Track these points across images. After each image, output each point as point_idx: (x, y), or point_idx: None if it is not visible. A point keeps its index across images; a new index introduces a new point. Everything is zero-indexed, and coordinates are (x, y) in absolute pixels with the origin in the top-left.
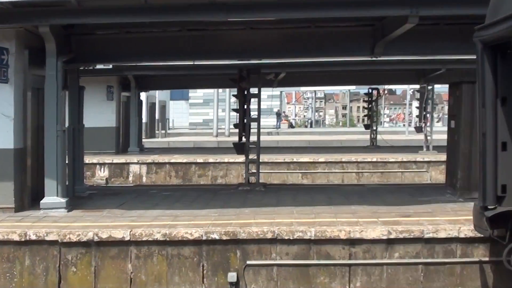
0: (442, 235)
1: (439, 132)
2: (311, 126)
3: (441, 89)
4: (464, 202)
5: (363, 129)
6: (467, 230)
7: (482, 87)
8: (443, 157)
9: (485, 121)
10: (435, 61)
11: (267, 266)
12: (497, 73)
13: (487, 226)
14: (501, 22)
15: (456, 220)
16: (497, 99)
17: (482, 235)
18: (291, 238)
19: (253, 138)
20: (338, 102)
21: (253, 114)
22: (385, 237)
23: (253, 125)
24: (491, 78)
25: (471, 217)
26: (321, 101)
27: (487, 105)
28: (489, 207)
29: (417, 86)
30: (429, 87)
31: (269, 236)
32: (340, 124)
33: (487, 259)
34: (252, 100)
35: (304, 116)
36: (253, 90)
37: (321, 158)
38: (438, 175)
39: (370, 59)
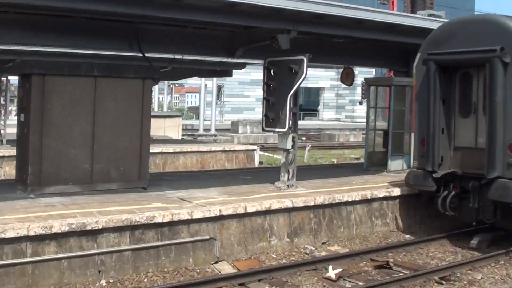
0: (10, 234)
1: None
2: None
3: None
4: (35, 199)
5: None
6: (37, 227)
7: (433, 92)
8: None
9: (434, 114)
10: (10, 52)
11: None
12: (440, 83)
13: (433, 184)
14: (449, 54)
15: (25, 218)
16: (440, 99)
17: None
18: None
19: None
20: None
21: None
22: None
23: None
24: (438, 86)
25: (41, 214)
26: None
27: (435, 103)
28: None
29: None
30: (3, 78)
31: None
32: None
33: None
34: None
35: None
36: None
37: None
38: (13, 171)
39: None
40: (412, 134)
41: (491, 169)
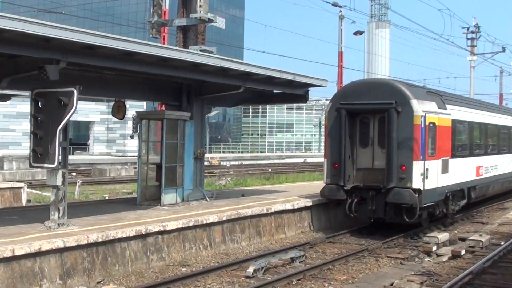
0: None
1: None
2: None
3: None
4: None
5: None
6: None
7: (343, 130)
8: None
9: (344, 145)
10: None
11: None
12: (348, 124)
13: (344, 194)
14: (356, 104)
15: None
16: (347, 135)
17: None
18: None
19: None
20: None
21: None
22: None
23: None
24: (347, 126)
25: None
26: None
27: (344, 138)
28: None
29: None
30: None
31: None
32: None
33: None
34: None
35: None
36: None
37: None
38: None
39: None
40: (325, 160)
41: (390, 182)
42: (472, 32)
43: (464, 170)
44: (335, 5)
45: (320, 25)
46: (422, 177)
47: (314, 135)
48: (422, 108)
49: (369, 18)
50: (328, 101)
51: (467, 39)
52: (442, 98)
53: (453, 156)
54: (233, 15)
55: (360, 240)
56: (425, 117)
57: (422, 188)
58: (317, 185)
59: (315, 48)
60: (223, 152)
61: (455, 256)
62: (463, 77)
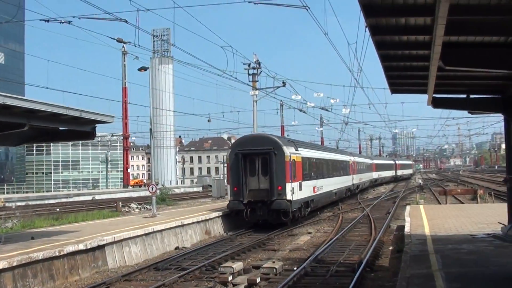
0: None
1: None
2: None
3: None
4: None
5: None
6: None
7: (241, 167)
8: None
9: (242, 176)
10: None
11: None
12: (243, 162)
13: (243, 207)
14: (249, 150)
15: None
16: (243, 169)
17: None
18: None
19: None
20: None
21: None
22: None
23: None
24: (242, 164)
25: None
26: None
27: (241, 171)
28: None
29: None
30: None
31: None
32: None
33: None
34: None
35: None
36: None
37: None
38: None
39: None
40: (228, 185)
41: (273, 196)
42: (254, 68)
43: (308, 189)
44: (119, 41)
45: (106, 61)
46: (291, 192)
47: (101, 171)
48: (289, 151)
49: (152, 54)
50: (229, 148)
51: (249, 74)
52: (295, 144)
53: (303, 179)
54: (13, 49)
55: (157, 275)
56: (290, 156)
57: (291, 199)
58: (109, 223)
59: (102, 83)
60: (7, 192)
61: (251, 284)
62: (246, 110)
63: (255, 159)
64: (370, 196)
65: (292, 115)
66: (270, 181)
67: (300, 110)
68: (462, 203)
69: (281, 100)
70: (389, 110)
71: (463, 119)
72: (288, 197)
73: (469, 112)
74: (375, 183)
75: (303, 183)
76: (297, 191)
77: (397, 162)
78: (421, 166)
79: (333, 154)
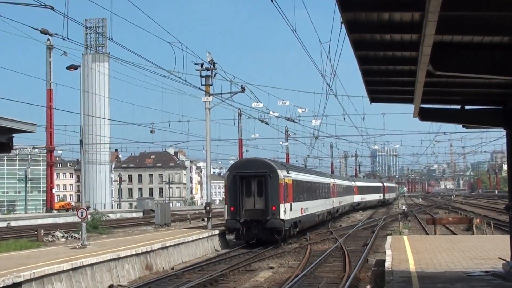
0: None
1: None
2: None
3: None
4: None
5: None
6: None
7: (239, 188)
8: None
9: (238, 197)
10: None
11: None
12: (240, 184)
13: (240, 225)
14: (246, 172)
15: None
16: (240, 190)
17: None
18: None
19: None
20: None
21: None
22: None
23: None
24: (239, 185)
25: None
26: None
27: (238, 192)
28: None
29: None
30: None
31: None
32: None
33: None
34: None
35: None
36: None
37: None
38: None
39: None
40: (225, 205)
41: (267, 215)
42: (207, 69)
43: (297, 210)
44: (44, 32)
45: (28, 56)
46: (284, 212)
47: (19, 192)
48: (282, 174)
49: (84, 49)
50: (227, 170)
51: (201, 77)
52: (287, 167)
53: (293, 201)
54: None
55: None
56: (283, 179)
57: (284, 219)
58: (28, 255)
59: (22, 84)
60: None
61: None
62: (198, 120)
63: (251, 181)
64: (344, 224)
65: (252, 127)
66: (265, 201)
67: (262, 121)
68: (455, 234)
69: (239, 109)
70: (368, 123)
71: (456, 134)
72: (282, 216)
73: (463, 126)
74: (358, 207)
75: (293, 204)
76: (288, 211)
77: (385, 184)
78: (405, 189)
79: (316, 176)
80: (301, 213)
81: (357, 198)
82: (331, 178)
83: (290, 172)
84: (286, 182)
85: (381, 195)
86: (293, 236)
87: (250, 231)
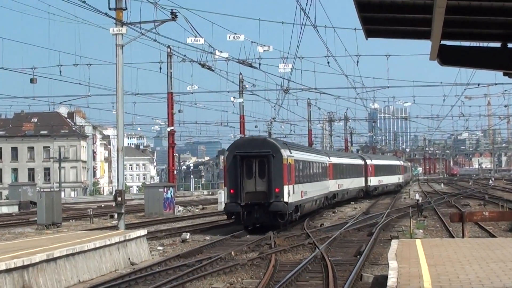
0: None
1: None
2: None
3: None
4: None
5: None
6: None
7: (239, 168)
8: None
9: (239, 178)
10: None
11: None
12: (241, 164)
13: (240, 209)
14: (247, 152)
15: None
16: (240, 171)
17: None
18: None
19: None
20: None
21: None
22: None
23: None
24: (239, 166)
25: None
26: None
27: (239, 173)
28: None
29: None
30: None
31: None
32: None
33: None
34: None
35: None
36: None
37: None
38: None
39: None
40: (224, 188)
41: (270, 198)
42: None
43: (298, 193)
44: None
45: None
46: (288, 195)
47: None
48: (286, 154)
49: None
50: (226, 150)
51: None
52: (288, 146)
53: (295, 183)
54: None
55: None
56: (287, 159)
57: (288, 201)
58: None
59: None
60: None
61: None
62: (105, 63)
63: (253, 161)
64: (328, 222)
65: (188, 74)
66: (268, 183)
67: (203, 65)
68: (493, 236)
69: (168, 46)
70: (364, 69)
71: (496, 86)
72: (285, 199)
73: (505, 74)
74: (375, 193)
75: (295, 186)
76: (291, 194)
77: (403, 164)
78: (420, 169)
79: (314, 155)
80: (301, 197)
81: (374, 181)
82: (326, 156)
83: (292, 151)
84: (289, 163)
85: (397, 177)
86: (294, 221)
87: (251, 215)
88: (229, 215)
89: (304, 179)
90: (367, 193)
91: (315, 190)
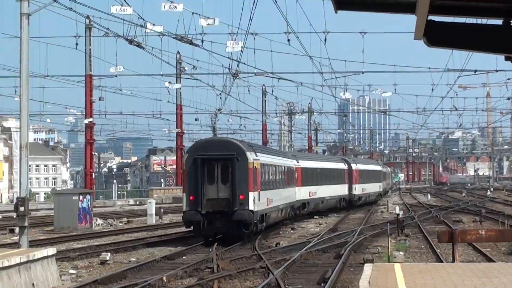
0: None
1: None
2: None
3: None
4: None
5: None
6: None
7: (200, 173)
8: None
9: (199, 183)
10: None
11: None
12: (202, 168)
13: (200, 217)
14: (208, 155)
15: None
16: (201, 176)
17: None
18: None
19: None
20: None
21: None
22: None
23: None
24: (201, 170)
25: None
26: None
27: (199, 178)
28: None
29: None
30: None
31: None
32: None
33: None
34: None
35: None
36: None
37: None
38: None
39: None
40: (184, 194)
41: (234, 206)
42: None
43: (264, 201)
44: None
45: None
46: (253, 202)
47: None
48: (252, 157)
49: None
50: (186, 152)
51: None
52: (254, 148)
53: (262, 190)
54: None
55: None
56: (252, 163)
57: (253, 210)
58: None
59: None
60: None
61: None
62: (5, 37)
63: (215, 165)
64: (285, 241)
65: (112, 52)
66: (232, 189)
67: (131, 42)
68: (491, 260)
69: (87, 17)
70: (333, 50)
71: (496, 74)
72: (251, 207)
73: (507, 59)
74: (359, 203)
75: (261, 193)
76: (257, 202)
77: (383, 169)
78: (401, 175)
79: (281, 158)
80: (267, 205)
81: (358, 189)
82: (293, 159)
83: (258, 154)
84: (255, 167)
85: (379, 184)
86: (260, 232)
87: (213, 225)
88: (188, 224)
89: (270, 186)
90: (350, 203)
91: (280, 198)
